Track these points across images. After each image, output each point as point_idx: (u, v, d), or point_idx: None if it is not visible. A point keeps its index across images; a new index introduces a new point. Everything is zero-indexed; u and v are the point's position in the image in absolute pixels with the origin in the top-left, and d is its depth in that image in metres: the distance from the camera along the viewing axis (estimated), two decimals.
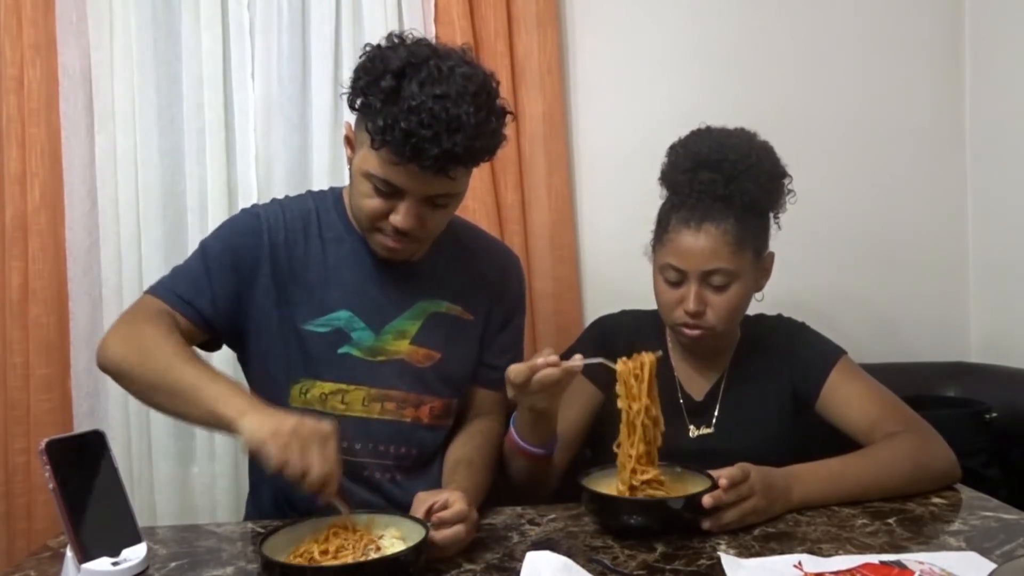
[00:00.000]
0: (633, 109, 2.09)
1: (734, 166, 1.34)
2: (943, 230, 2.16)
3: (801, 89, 2.10)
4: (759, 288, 1.42)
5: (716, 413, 1.43)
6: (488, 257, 1.48)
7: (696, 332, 1.36)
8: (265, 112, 1.96)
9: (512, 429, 1.33)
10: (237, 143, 1.95)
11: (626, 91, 2.09)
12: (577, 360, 1.19)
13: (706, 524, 1.12)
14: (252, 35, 1.95)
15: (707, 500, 1.11)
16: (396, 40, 1.24)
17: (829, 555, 1.05)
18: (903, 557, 1.02)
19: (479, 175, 1.95)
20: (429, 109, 1.15)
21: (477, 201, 1.96)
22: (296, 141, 1.99)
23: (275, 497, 1.39)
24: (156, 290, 1.32)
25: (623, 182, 2.08)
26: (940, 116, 2.15)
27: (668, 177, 1.43)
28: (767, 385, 1.43)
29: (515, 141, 1.99)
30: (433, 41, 1.27)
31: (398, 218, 1.24)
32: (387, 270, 1.35)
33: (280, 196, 1.97)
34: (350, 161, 1.30)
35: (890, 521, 1.17)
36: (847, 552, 1.06)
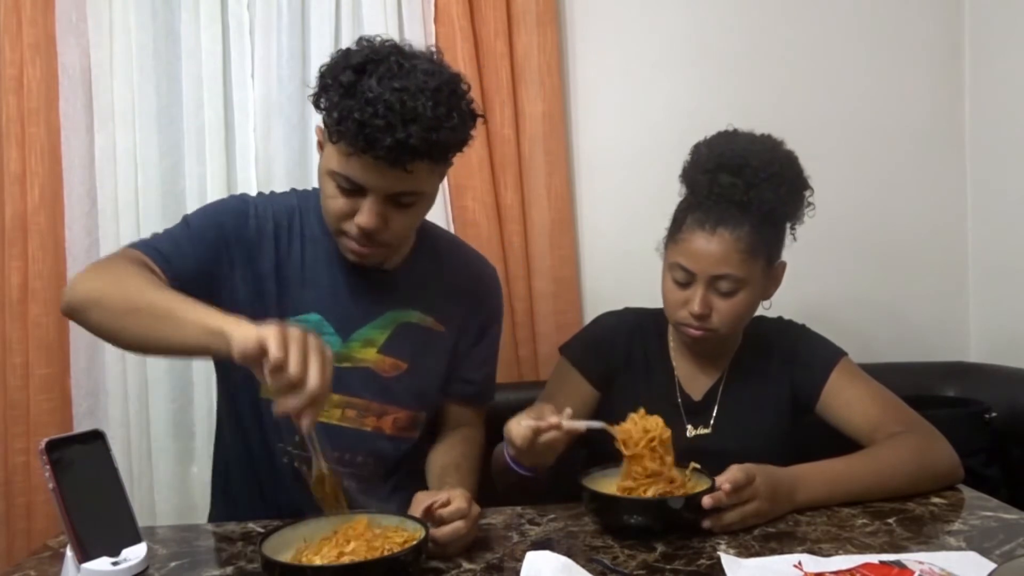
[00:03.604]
0: (633, 109, 2.09)
1: (756, 173, 1.33)
2: (943, 230, 2.16)
3: (801, 89, 2.11)
4: (767, 296, 1.42)
5: (714, 413, 1.43)
6: (465, 268, 1.46)
7: (699, 333, 1.36)
8: (265, 112, 1.96)
9: (505, 449, 1.28)
10: (237, 143, 1.96)
11: (626, 91, 2.09)
12: (579, 424, 1.19)
13: (707, 523, 1.12)
14: (252, 35, 1.95)
15: (707, 501, 1.11)
16: (364, 43, 1.23)
17: (829, 555, 1.05)
18: (903, 557, 1.02)
19: (479, 175, 1.96)
20: (385, 100, 1.13)
21: (477, 201, 1.97)
22: (295, 141, 1.99)
23: (250, 490, 1.38)
24: (134, 244, 1.28)
25: (623, 182, 2.08)
26: (940, 116, 2.15)
27: (688, 175, 1.41)
28: (766, 387, 1.43)
29: (515, 141, 1.99)
30: (407, 43, 1.26)
31: (362, 217, 1.21)
32: (361, 276, 1.34)
33: None
34: None
35: (890, 521, 1.17)
36: (847, 552, 1.06)
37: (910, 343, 2.10)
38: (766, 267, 1.38)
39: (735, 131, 1.41)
